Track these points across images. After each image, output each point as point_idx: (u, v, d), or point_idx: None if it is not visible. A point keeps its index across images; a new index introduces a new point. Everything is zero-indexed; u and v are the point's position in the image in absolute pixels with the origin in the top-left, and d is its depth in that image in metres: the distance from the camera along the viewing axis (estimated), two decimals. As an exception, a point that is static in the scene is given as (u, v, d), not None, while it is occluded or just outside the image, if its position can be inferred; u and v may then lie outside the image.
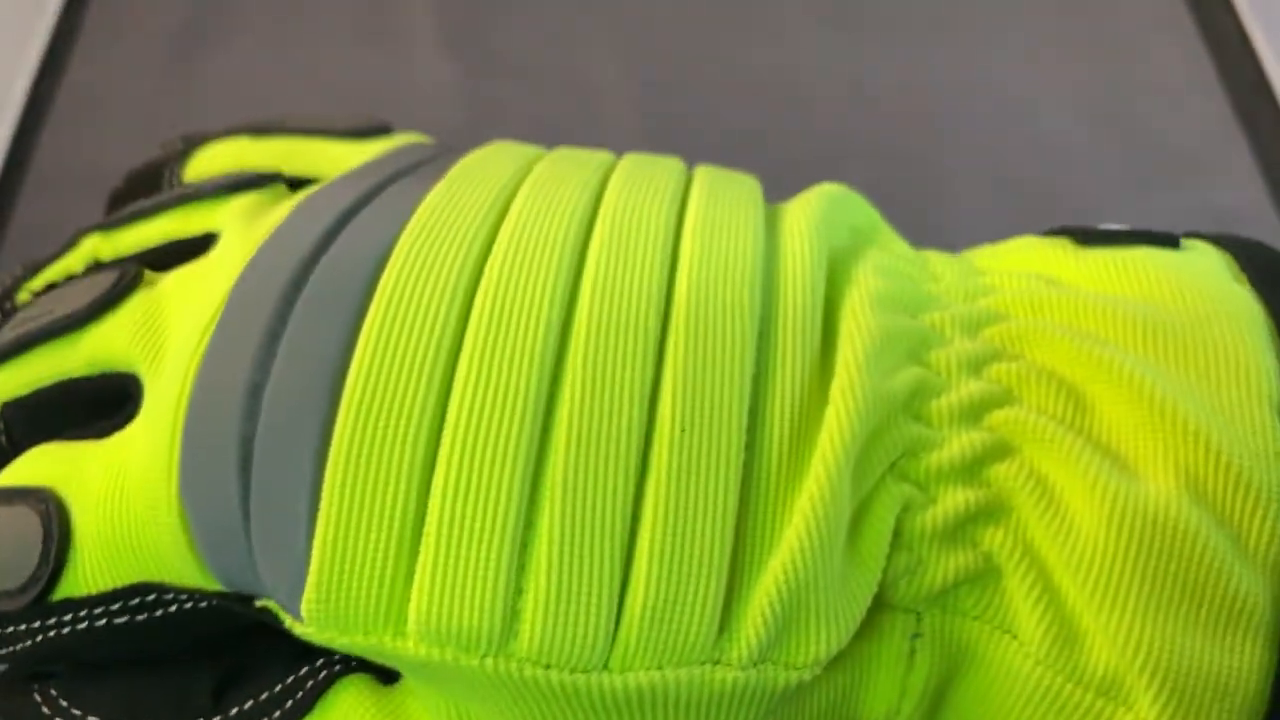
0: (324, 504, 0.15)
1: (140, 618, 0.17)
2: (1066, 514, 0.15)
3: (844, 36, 0.42)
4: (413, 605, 0.14)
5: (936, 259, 0.19)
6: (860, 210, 0.20)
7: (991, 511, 0.16)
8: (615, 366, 0.15)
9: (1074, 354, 0.16)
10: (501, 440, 0.15)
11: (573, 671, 0.14)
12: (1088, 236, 0.18)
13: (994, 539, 0.16)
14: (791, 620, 0.15)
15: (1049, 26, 0.43)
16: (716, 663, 0.14)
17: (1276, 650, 0.15)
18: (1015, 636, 0.16)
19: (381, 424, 0.15)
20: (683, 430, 0.15)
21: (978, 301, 0.17)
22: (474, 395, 0.15)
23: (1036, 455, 0.16)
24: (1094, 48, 0.42)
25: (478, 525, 0.14)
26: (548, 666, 0.14)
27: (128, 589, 0.17)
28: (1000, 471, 0.16)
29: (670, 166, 0.20)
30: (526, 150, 0.20)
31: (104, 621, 0.17)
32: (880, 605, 0.16)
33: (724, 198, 0.18)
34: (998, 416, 0.16)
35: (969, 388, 0.16)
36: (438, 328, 0.15)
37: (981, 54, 0.42)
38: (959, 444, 0.16)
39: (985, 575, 0.16)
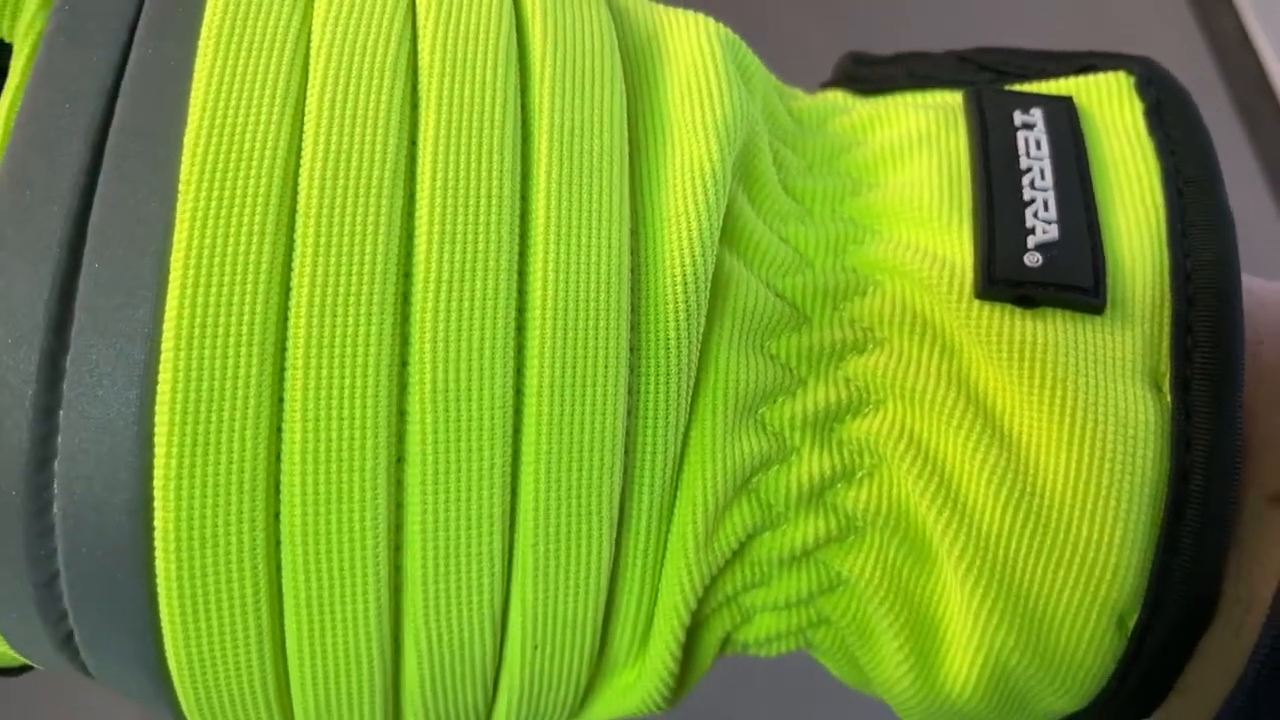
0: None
1: None
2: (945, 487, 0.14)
3: (834, 36, 0.42)
4: None
5: (807, 235, 0.16)
6: (754, 73, 0.16)
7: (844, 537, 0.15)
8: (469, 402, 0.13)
9: (922, 513, 0.14)
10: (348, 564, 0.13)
11: None
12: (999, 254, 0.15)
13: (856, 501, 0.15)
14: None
15: (1049, 25, 0.43)
16: None
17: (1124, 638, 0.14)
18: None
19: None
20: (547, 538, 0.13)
21: (839, 370, 0.15)
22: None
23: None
24: (1094, 46, 0.42)
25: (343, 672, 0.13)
26: None
27: None
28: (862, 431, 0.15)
29: None
30: None
31: None
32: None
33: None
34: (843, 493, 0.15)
35: (818, 463, 0.14)
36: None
37: (983, 52, 0.41)
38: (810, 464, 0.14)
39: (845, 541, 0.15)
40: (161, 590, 0.12)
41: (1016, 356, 0.14)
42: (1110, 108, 0.16)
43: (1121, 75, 0.17)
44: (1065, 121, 0.16)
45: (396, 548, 0.13)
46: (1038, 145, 0.15)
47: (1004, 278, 0.14)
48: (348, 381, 0.12)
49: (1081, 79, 0.17)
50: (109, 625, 0.13)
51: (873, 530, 0.14)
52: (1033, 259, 0.14)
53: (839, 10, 0.43)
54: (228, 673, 0.13)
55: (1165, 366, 0.14)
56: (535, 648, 0.14)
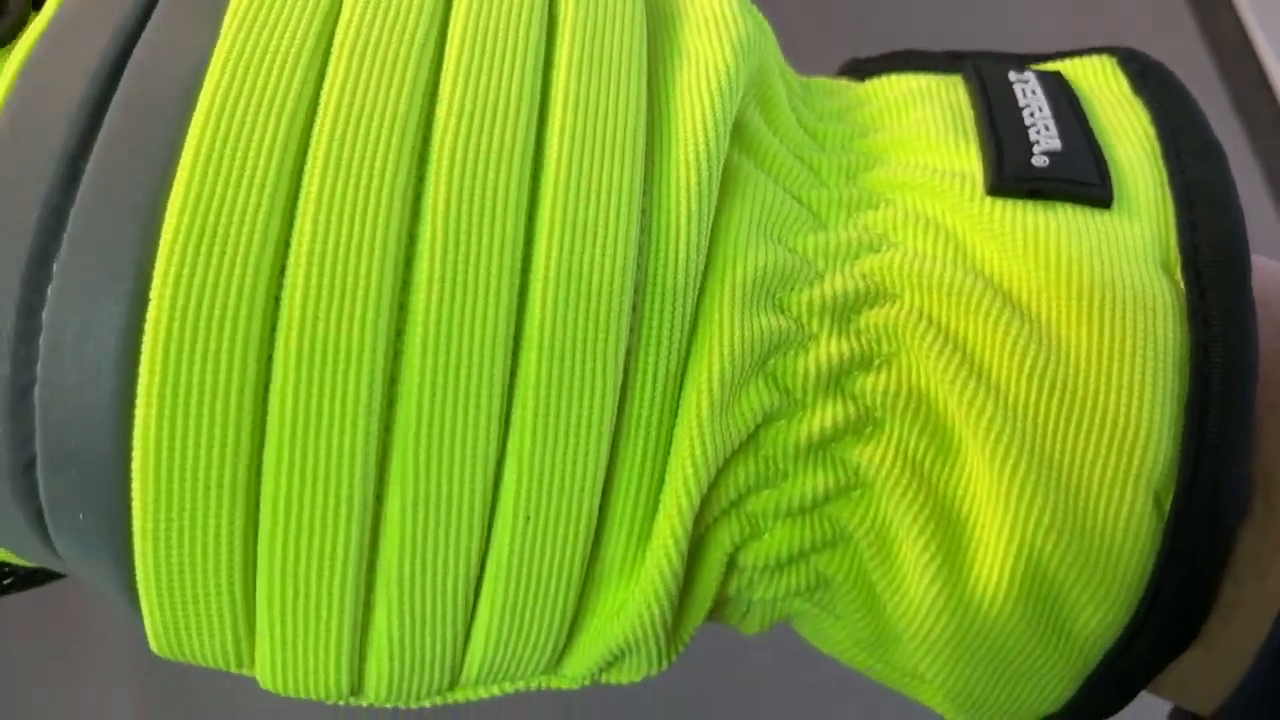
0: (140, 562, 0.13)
1: None
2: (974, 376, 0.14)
3: (838, 37, 0.42)
4: (259, 670, 0.14)
5: (822, 158, 0.16)
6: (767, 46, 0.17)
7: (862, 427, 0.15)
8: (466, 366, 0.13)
9: (944, 395, 0.14)
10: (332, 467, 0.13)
11: (417, 700, 0.15)
12: (1009, 162, 0.15)
13: (874, 389, 0.14)
14: (626, 655, 0.15)
15: (1049, 25, 0.43)
16: (550, 674, 0.16)
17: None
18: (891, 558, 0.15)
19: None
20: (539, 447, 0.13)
21: (856, 263, 0.15)
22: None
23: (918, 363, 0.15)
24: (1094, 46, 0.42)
25: (315, 592, 0.13)
26: (396, 698, 0.15)
27: None
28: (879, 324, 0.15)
29: None
30: None
31: None
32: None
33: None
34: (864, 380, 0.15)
35: (834, 347, 0.14)
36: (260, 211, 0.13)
37: (983, 53, 0.42)
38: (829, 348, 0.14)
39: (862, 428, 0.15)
40: (143, 382, 0.12)
41: (1031, 244, 0.14)
42: (1097, 78, 0.17)
43: (1104, 56, 0.18)
44: (1057, 82, 0.17)
45: (393, 380, 0.13)
46: (1034, 92, 0.16)
47: (1013, 174, 0.15)
48: (360, 208, 0.13)
49: (1067, 61, 0.18)
50: (77, 441, 0.13)
51: (892, 418, 0.14)
52: (1040, 160, 0.15)
53: (840, 12, 0.43)
54: (195, 513, 0.13)
55: (1174, 258, 0.15)
56: (528, 519, 0.13)
